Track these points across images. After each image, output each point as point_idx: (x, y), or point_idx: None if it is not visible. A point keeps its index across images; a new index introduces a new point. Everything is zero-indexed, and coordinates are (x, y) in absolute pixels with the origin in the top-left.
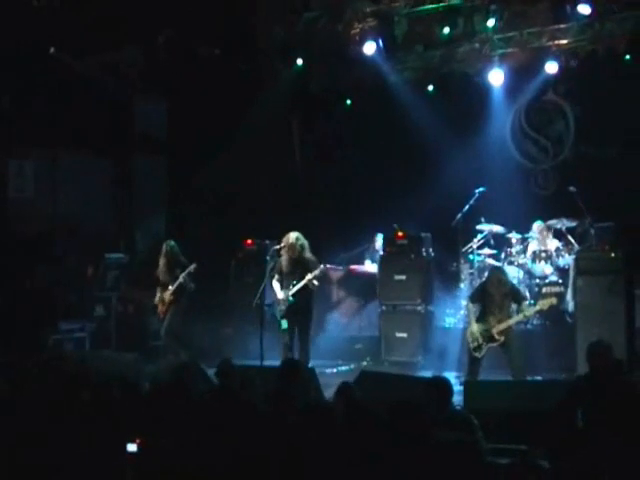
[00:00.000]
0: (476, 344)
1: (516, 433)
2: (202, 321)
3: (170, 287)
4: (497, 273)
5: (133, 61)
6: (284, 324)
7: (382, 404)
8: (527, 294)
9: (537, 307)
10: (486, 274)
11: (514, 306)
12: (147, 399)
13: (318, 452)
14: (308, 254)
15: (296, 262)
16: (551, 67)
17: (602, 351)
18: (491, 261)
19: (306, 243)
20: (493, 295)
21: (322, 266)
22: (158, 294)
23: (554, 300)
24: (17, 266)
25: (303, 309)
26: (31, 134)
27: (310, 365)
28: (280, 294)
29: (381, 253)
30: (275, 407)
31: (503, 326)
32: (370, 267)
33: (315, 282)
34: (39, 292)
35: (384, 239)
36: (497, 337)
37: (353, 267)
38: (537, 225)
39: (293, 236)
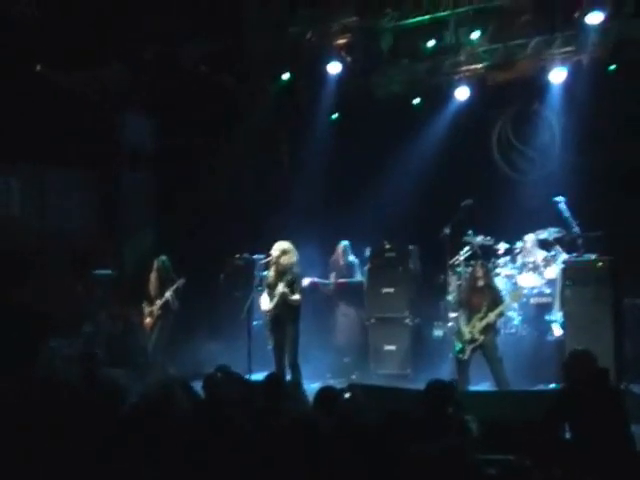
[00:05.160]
0: (460, 346)
1: (503, 443)
2: (190, 336)
3: (158, 302)
4: (477, 265)
5: (120, 77)
6: (270, 343)
7: (371, 416)
8: (515, 305)
9: (507, 300)
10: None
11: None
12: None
13: (305, 468)
14: (294, 266)
15: (280, 273)
16: (535, 78)
17: (583, 360)
18: None
19: (294, 252)
20: (473, 294)
21: (296, 278)
22: (146, 308)
23: (520, 292)
24: (4, 284)
25: (288, 324)
26: (17, 150)
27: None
28: (265, 307)
29: (367, 266)
30: (260, 424)
31: (483, 324)
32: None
33: (295, 297)
34: (27, 309)
35: (371, 252)
36: (477, 336)
37: (341, 280)
38: (527, 237)
39: (282, 243)
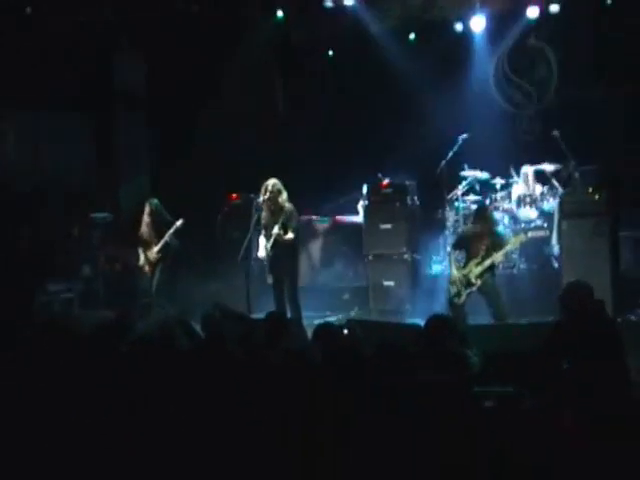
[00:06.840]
0: (455, 290)
1: (501, 376)
2: (189, 277)
3: (154, 246)
4: (482, 211)
5: (110, 17)
6: (269, 279)
7: (369, 351)
8: (517, 249)
9: (508, 247)
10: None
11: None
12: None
13: (303, 401)
14: (286, 203)
15: (274, 212)
16: (532, 11)
17: (580, 292)
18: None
19: (283, 189)
20: (474, 239)
21: (289, 217)
22: (142, 254)
23: (522, 237)
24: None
25: (286, 262)
26: (9, 96)
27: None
28: (262, 254)
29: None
30: (259, 359)
31: (479, 269)
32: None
33: (289, 236)
34: (25, 253)
35: (368, 188)
36: (474, 281)
37: (338, 218)
38: (524, 169)
39: (270, 182)
